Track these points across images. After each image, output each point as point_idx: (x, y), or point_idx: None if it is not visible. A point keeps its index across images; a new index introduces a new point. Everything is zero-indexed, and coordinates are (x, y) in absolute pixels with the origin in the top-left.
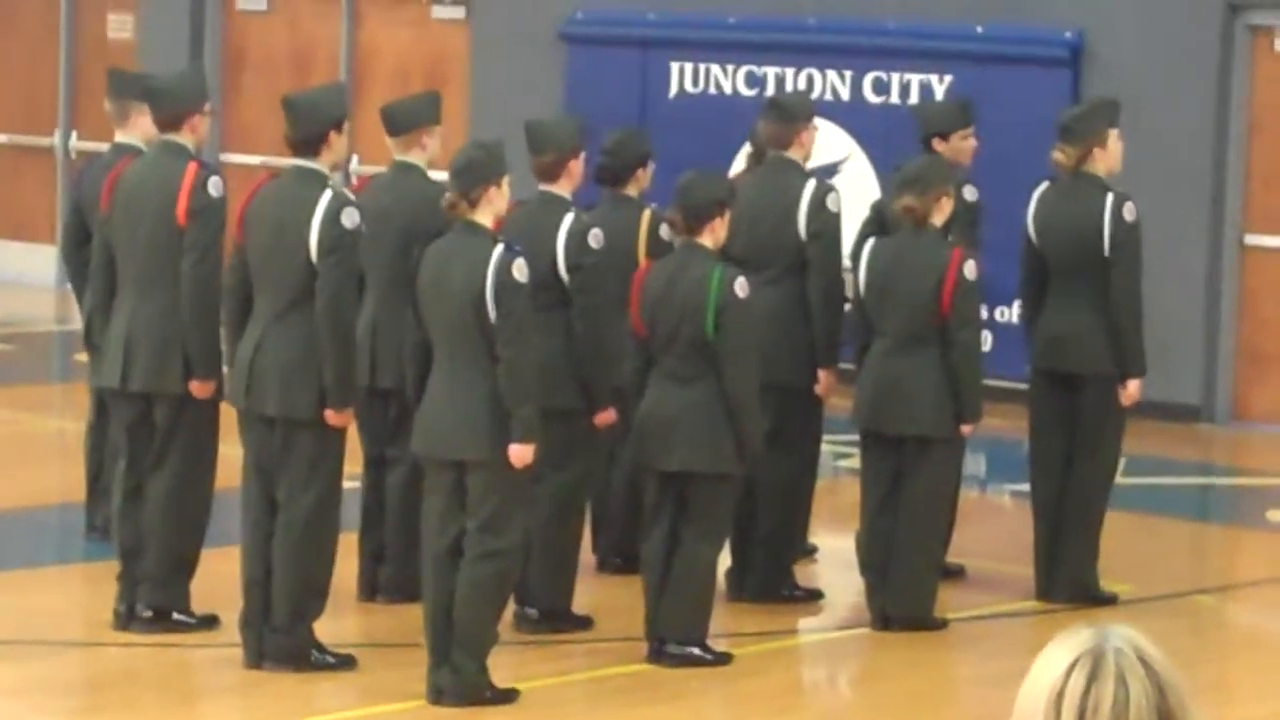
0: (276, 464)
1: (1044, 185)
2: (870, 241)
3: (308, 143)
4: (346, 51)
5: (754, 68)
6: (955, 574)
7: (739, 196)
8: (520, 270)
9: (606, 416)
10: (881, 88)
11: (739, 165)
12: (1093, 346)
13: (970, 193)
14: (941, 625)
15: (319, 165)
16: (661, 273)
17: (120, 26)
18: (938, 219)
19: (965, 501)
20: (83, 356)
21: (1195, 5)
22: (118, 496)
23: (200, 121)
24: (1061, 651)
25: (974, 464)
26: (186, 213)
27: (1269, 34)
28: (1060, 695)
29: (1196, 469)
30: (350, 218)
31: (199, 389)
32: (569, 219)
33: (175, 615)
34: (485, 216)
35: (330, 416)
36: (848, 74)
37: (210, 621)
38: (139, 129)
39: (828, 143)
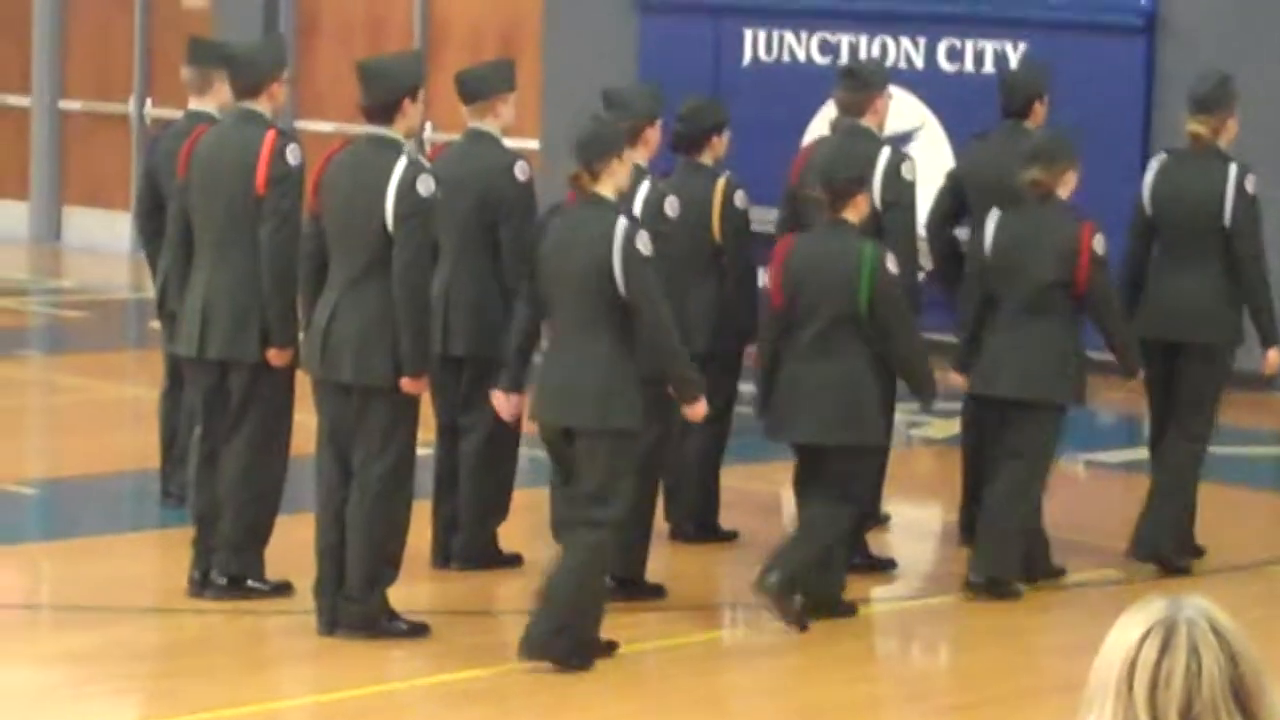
0: (351, 431)
1: (1163, 156)
2: (995, 213)
3: (382, 110)
4: (420, 18)
5: (828, 35)
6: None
7: (813, 164)
8: (644, 243)
9: None
10: (955, 55)
11: (814, 132)
12: (1200, 316)
13: None
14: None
15: (393, 132)
16: (806, 247)
17: None
18: (1063, 192)
19: None
20: (157, 324)
21: None
22: (193, 464)
23: (279, 89)
24: (1135, 622)
25: None
26: (265, 180)
27: None
28: (1133, 666)
29: (1274, 438)
30: (426, 185)
31: (276, 357)
32: (645, 187)
33: (249, 582)
34: (607, 188)
35: (405, 384)
36: (921, 41)
37: (284, 588)
38: (218, 97)
39: (901, 111)
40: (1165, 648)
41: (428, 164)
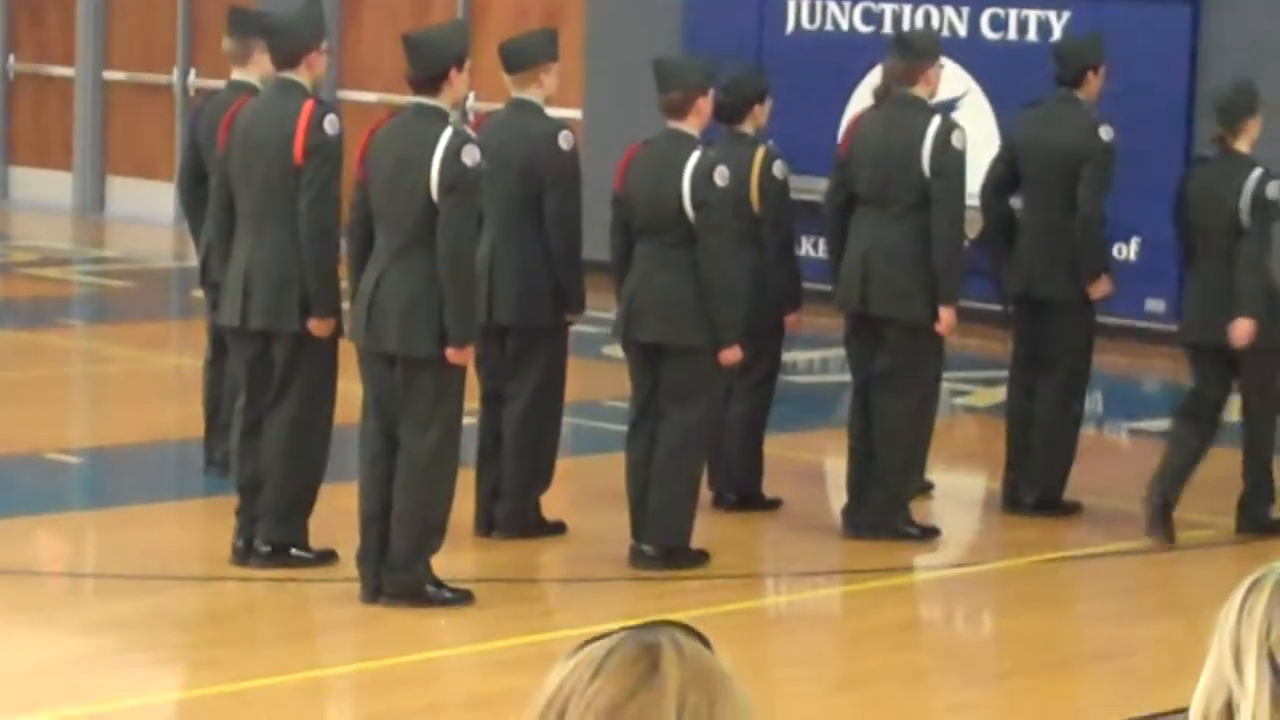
0: (397, 402)
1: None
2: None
3: (428, 80)
4: None
5: (871, 4)
6: (1072, 510)
7: (863, 134)
8: (1276, 189)
9: (731, 354)
10: (999, 24)
11: (858, 101)
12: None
13: (1106, 133)
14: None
15: (439, 103)
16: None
17: None
18: (1243, 145)
19: (1082, 439)
20: (200, 293)
21: None
22: (237, 433)
23: (317, 59)
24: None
25: (1091, 402)
26: (303, 150)
27: None
28: (1226, 610)
29: None
30: (471, 155)
31: (317, 327)
32: (695, 156)
33: (293, 550)
34: (1244, 145)
35: (450, 354)
36: (965, 10)
37: (328, 557)
38: (259, 67)
39: (945, 79)
40: (1253, 587)
41: (473, 134)
